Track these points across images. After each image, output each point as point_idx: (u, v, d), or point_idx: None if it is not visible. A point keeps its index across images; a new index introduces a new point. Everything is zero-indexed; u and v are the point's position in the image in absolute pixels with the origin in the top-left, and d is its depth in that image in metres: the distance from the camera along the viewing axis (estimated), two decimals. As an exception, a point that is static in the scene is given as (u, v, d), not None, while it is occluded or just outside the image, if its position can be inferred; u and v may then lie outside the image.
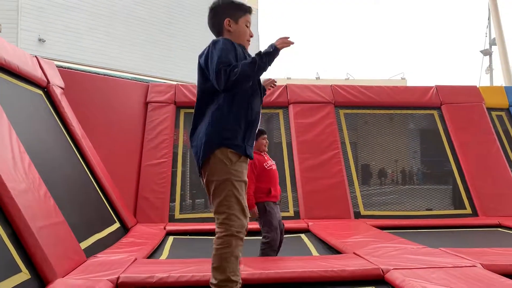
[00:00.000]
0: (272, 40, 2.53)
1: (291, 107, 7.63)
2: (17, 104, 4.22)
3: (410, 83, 30.78)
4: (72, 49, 14.22)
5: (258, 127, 4.26)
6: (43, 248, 3.01)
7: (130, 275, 3.27)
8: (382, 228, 5.81)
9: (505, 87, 8.81)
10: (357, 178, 7.31)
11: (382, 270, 3.36)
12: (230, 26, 2.57)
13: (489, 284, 2.93)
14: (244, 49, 2.61)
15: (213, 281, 2.34)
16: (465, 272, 3.24)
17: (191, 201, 7.44)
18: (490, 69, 22.57)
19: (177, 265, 3.55)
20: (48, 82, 5.33)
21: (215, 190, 2.40)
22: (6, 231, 2.85)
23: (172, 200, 6.75)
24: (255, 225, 4.51)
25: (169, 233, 5.69)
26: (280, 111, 7.73)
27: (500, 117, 8.00)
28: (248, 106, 2.53)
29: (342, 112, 7.77)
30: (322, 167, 7.00)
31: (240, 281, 2.41)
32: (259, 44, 21.83)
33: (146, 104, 7.39)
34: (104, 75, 8.15)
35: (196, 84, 2.68)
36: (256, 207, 3.98)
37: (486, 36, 21.92)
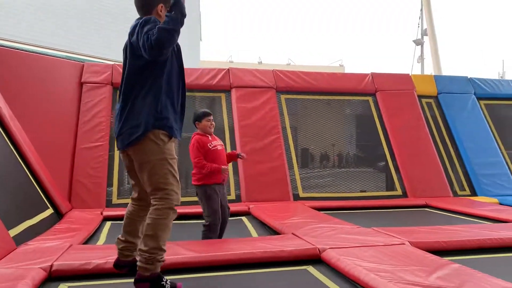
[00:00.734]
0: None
1: (233, 91, 7.62)
2: None
3: (348, 70, 31.78)
4: (5, 26, 13.14)
5: (204, 109, 4.29)
6: (-34, 236, 2.82)
7: (64, 262, 3.15)
8: (320, 209, 6.03)
9: (434, 76, 9.37)
10: (297, 162, 7.49)
11: (318, 249, 3.50)
12: (161, 11, 2.60)
13: (416, 260, 3.14)
14: None
15: (143, 247, 2.41)
16: (395, 250, 3.46)
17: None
18: (421, 58, 23.83)
19: (115, 251, 3.46)
20: (-30, 58, 4.91)
21: (152, 169, 2.47)
22: None
23: (109, 184, 6.54)
24: (198, 209, 4.51)
25: (107, 219, 5.52)
26: (223, 95, 7.70)
27: (429, 104, 8.51)
28: (173, 89, 2.60)
29: (283, 97, 7.88)
30: (264, 151, 7.10)
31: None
32: (200, 25, 21.44)
33: (81, 84, 7.05)
34: (37, 53, 7.64)
35: (123, 64, 2.68)
36: (221, 168, 4.02)
37: (418, 26, 23.05)
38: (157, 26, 2.37)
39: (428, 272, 2.83)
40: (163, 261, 2.46)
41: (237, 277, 3.14)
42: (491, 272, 2.89)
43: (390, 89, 8.27)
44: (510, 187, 7.58)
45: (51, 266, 3.07)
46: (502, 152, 8.09)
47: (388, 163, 7.74)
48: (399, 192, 7.41)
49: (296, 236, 4.03)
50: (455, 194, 7.49)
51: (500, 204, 6.68)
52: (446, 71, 19.65)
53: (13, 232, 3.79)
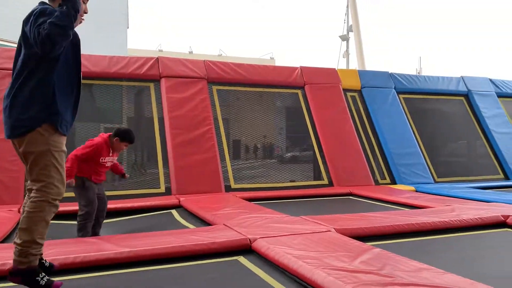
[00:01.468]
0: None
1: (163, 81, 7.44)
2: None
3: (278, 63, 32.36)
4: None
5: (131, 134, 4.15)
6: None
7: (-24, 263, 2.89)
8: (251, 200, 6.10)
9: (358, 70, 9.83)
10: (229, 153, 7.51)
11: (249, 239, 3.54)
12: None
13: (341, 246, 3.30)
14: None
15: (18, 240, 2.34)
16: (322, 237, 3.60)
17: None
18: (347, 53, 24.88)
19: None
20: None
21: (34, 160, 2.39)
22: None
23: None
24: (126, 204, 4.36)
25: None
26: (151, 84, 7.48)
27: (353, 98, 8.92)
28: (66, 83, 2.51)
29: (215, 88, 7.84)
30: (195, 142, 7.03)
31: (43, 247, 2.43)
32: (127, 13, 20.64)
33: (-5, 70, 6.48)
34: None
35: (16, 50, 2.52)
36: (74, 179, 3.95)
37: (344, 22, 24.00)
38: (48, 21, 2.25)
39: (352, 257, 2.98)
40: (38, 254, 2.37)
41: (167, 270, 3.09)
42: (408, 255, 3.12)
43: (318, 82, 8.55)
44: (425, 176, 8.19)
45: (-39, 268, 2.81)
46: (418, 143, 8.71)
47: (315, 153, 8.02)
48: (325, 181, 7.71)
49: (227, 227, 4.05)
50: (376, 182, 7.95)
51: (417, 191, 7.20)
52: (369, 66, 20.69)
53: None
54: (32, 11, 2.40)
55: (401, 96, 9.23)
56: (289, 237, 3.61)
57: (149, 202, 5.83)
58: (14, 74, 2.45)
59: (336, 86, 8.65)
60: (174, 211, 5.64)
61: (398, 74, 9.50)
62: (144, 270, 3.08)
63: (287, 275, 2.89)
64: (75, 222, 4.17)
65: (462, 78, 9.96)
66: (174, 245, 3.39)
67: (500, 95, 10.07)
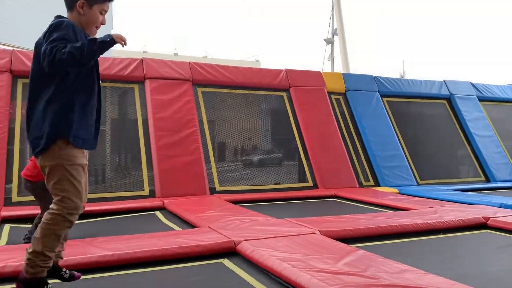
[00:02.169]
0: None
1: (147, 82, 7.38)
2: None
3: (264, 65, 32.44)
4: None
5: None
6: None
7: (-47, 268, 2.82)
8: (235, 202, 6.09)
9: (343, 74, 9.91)
10: (214, 155, 7.48)
11: (234, 242, 3.53)
12: (82, 8, 2.40)
13: (325, 248, 3.31)
14: (87, 36, 2.42)
15: (29, 249, 2.31)
16: (306, 239, 3.61)
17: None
18: (331, 56, 25.08)
19: (15, 252, 3.19)
20: None
21: (48, 174, 2.33)
22: None
23: (8, 181, 5.99)
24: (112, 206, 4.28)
25: (4, 220, 5.03)
26: (136, 86, 7.41)
27: (338, 100, 8.99)
28: (83, 96, 2.40)
29: (200, 90, 7.81)
30: (179, 144, 6.98)
31: (54, 259, 2.38)
32: (112, 13, 20.44)
33: (-26, 70, 6.35)
34: None
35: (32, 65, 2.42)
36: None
37: (329, 26, 24.21)
38: (69, 49, 2.16)
39: (336, 259, 3.00)
40: (46, 266, 2.30)
41: (150, 274, 3.06)
42: (391, 256, 3.15)
43: (303, 85, 8.59)
44: (408, 178, 8.30)
45: None
46: (402, 146, 8.82)
47: (300, 156, 8.04)
48: (310, 183, 7.74)
49: (212, 229, 4.04)
50: (360, 185, 8.01)
51: (400, 193, 7.28)
52: (354, 70, 20.89)
53: None
54: (51, 24, 2.32)
55: (385, 99, 9.33)
56: (274, 239, 3.61)
57: (133, 204, 5.78)
58: (29, 89, 2.38)
59: (321, 89, 8.70)
60: (158, 213, 5.59)
61: (382, 78, 9.60)
62: (127, 274, 3.04)
63: (272, 278, 2.89)
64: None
65: (445, 82, 10.12)
66: (158, 248, 3.36)
67: (481, 99, 10.26)
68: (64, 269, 2.57)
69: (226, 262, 3.30)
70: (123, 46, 2.33)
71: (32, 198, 6.10)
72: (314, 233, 3.86)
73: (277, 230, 3.95)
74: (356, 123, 8.78)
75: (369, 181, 8.20)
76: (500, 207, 5.47)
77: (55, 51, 2.15)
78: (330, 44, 24.53)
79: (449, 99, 9.97)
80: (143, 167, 6.83)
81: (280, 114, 8.51)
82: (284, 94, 8.51)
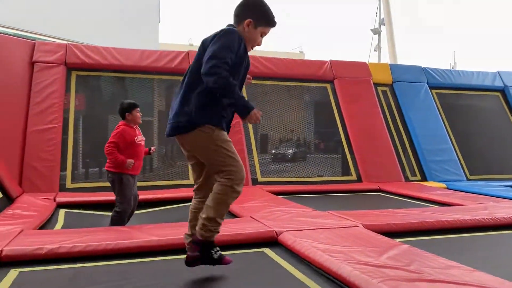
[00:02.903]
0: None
1: (192, 75, 7.51)
2: None
3: (308, 56, 32.08)
4: None
5: (132, 101, 4.31)
6: None
7: (15, 247, 3.04)
8: (277, 193, 6.12)
9: (390, 64, 9.64)
10: (256, 147, 7.54)
11: (275, 232, 3.57)
12: (248, 27, 2.61)
13: (368, 241, 3.28)
14: (245, 49, 2.63)
15: (203, 215, 2.58)
16: (349, 232, 3.59)
17: (84, 170, 7.06)
18: (378, 47, 24.40)
19: (69, 235, 3.39)
20: None
21: (208, 155, 2.58)
22: None
23: (63, 168, 6.33)
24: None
25: (60, 206, 5.32)
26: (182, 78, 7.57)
27: (384, 92, 8.77)
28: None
29: (243, 81, 7.85)
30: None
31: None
32: (159, 7, 20.89)
33: (32, 64, 6.73)
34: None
35: (192, 62, 2.67)
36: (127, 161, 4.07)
37: (376, 15, 23.55)
38: (224, 81, 2.36)
39: (379, 253, 2.96)
40: (217, 232, 2.60)
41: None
42: (437, 252, 3.06)
43: (348, 76, 8.44)
44: (457, 173, 7.99)
45: (1, 251, 2.96)
46: (451, 139, 8.50)
47: (344, 149, 7.94)
48: (354, 177, 7.64)
49: (254, 219, 4.09)
50: (406, 179, 7.81)
51: (448, 188, 7.03)
52: (401, 60, 20.27)
53: (-41, 217, 3.61)
54: (220, 31, 2.52)
55: (434, 91, 9.00)
56: (316, 231, 3.60)
57: (179, 194, 5.93)
58: (187, 78, 2.63)
59: (367, 80, 8.53)
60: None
61: (431, 69, 9.26)
62: (172, 259, 3.15)
63: (313, 268, 2.90)
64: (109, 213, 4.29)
65: (499, 72, 9.62)
66: (202, 235, 3.44)
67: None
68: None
69: (267, 251, 3.34)
70: (253, 123, 2.56)
71: (84, 184, 6.46)
72: (357, 226, 3.82)
73: (319, 222, 3.94)
74: (403, 115, 8.55)
75: (416, 176, 7.98)
76: (558, 205, 5.17)
77: (214, 73, 2.36)
78: (377, 35, 23.87)
79: (503, 91, 9.48)
80: (188, 157, 6.99)
81: (323, 105, 8.43)
82: (328, 85, 8.41)
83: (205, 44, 2.56)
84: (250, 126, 7.58)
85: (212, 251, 2.60)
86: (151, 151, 4.58)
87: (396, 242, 3.30)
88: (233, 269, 2.97)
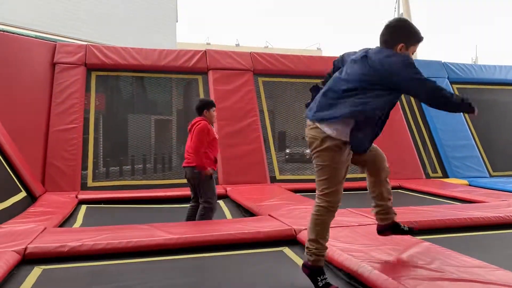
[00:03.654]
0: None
1: (210, 73, 7.55)
2: None
3: (326, 53, 31.81)
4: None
5: (211, 100, 4.36)
6: None
7: (39, 245, 3.11)
8: (296, 191, 6.10)
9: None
10: (274, 145, 7.53)
11: (294, 230, 3.56)
12: (400, 51, 2.56)
13: (388, 239, 3.23)
14: None
15: (307, 239, 2.55)
16: (369, 230, 3.55)
17: (104, 168, 7.17)
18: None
19: (91, 233, 3.44)
20: None
21: (320, 171, 2.54)
22: None
23: (84, 168, 6.44)
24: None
25: (82, 202, 5.45)
26: (200, 77, 7.62)
27: (403, 88, 8.62)
28: (379, 108, 2.54)
29: (260, 79, 7.86)
30: (240, 133, 7.10)
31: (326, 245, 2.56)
32: (176, 6, 21.04)
33: (53, 65, 6.86)
34: (6, 32, 7.37)
35: (335, 72, 2.75)
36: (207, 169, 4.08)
37: (394, 10, 23.22)
38: (454, 100, 2.41)
39: (400, 251, 2.92)
40: (321, 255, 2.50)
41: (214, 258, 3.17)
42: (459, 250, 3.00)
43: (366, 72, 8.33)
44: (480, 169, 7.83)
45: (25, 249, 3.03)
46: (473, 135, 8.32)
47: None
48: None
49: (273, 217, 4.08)
50: (427, 176, 7.69)
51: (470, 185, 6.90)
52: (421, 56, 19.92)
53: (-15, 215, 3.71)
54: (403, 61, 2.45)
55: (455, 86, 8.82)
56: (335, 229, 3.57)
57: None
58: (344, 88, 2.49)
59: (385, 76, 8.40)
60: (220, 202, 5.75)
61: (452, 63, 9.08)
62: (191, 257, 3.17)
63: (332, 268, 2.88)
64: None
65: (523, 66, 9.37)
66: (222, 233, 3.46)
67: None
68: (401, 224, 2.89)
69: (286, 250, 3.33)
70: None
71: (105, 183, 6.56)
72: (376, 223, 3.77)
73: (338, 220, 3.89)
74: (424, 111, 8.41)
75: (437, 172, 7.85)
76: None
77: (442, 92, 2.42)
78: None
79: (528, 85, 9.22)
80: (206, 155, 7.03)
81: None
82: (346, 82, 8.32)
83: (374, 61, 2.47)
84: (267, 124, 7.57)
85: (318, 278, 2.47)
86: None
87: (417, 240, 3.26)
88: (256, 269, 2.97)
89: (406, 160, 7.63)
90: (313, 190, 6.99)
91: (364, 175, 3.08)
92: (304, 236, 3.39)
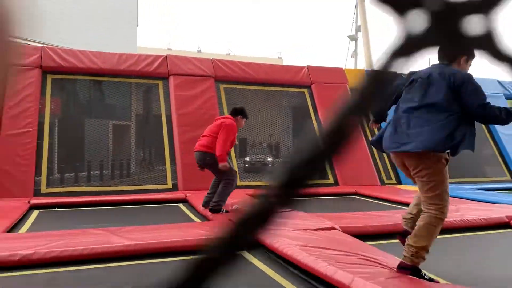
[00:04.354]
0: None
1: (171, 79, 7.51)
2: None
3: (286, 62, 32.32)
4: None
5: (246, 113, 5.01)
6: None
7: (-13, 253, 2.98)
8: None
9: (366, 70, 9.83)
10: (235, 151, 7.56)
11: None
12: (462, 64, 2.82)
13: (343, 243, 3.34)
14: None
15: (412, 243, 2.70)
16: (325, 234, 3.64)
17: (59, 175, 6.95)
18: (355, 53, 24.79)
19: (42, 240, 3.33)
20: None
21: (434, 186, 2.85)
22: None
23: (38, 173, 6.22)
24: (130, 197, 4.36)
25: (34, 207, 5.25)
26: (160, 82, 7.56)
27: (360, 98, 8.92)
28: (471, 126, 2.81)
29: (222, 86, 7.90)
30: (201, 140, 7.08)
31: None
32: (137, 10, 20.78)
33: (6, 66, 6.59)
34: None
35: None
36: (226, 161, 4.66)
37: (353, 22, 23.95)
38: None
39: (355, 252, 3.02)
40: (424, 259, 2.71)
41: (169, 264, 3.15)
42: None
43: (325, 81, 8.57)
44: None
45: (-27, 257, 2.90)
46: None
47: (322, 153, 8.03)
48: (331, 180, 7.74)
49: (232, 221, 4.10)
50: (382, 182, 7.96)
51: (422, 191, 7.19)
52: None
53: None
54: (462, 79, 2.65)
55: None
56: (294, 232, 3.65)
57: (158, 196, 5.92)
58: (427, 107, 2.68)
59: (343, 85, 8.67)
60: (181, 205, 5.72)
61: (405, 74, 9.47)
62: (148, 263, 3.14)
63: (291, 267, 2.94)
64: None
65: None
66: (178, 239, 3.45)
67: (509, 97, 10.00)
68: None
69: (244, 253, 3.36)
70: None
71: (59, 189, 6.36)
72: (334, 228, 3.89)
73: (297, 224, 3.99)
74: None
75: (391, 179, 8.14)
76: (526, 206, 5.36)
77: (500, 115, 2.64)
78: (354, 41, 24.25)
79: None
80: (166, 161, 6.97)
81: (301, 110, 8.52)
82: (305, 90, 8.52)
83: (455, 83, 2.66)
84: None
85: (422, 274, 2.69)
86: None
87: (369, 246, 3.38)
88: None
89: (363, 167, 7.87)
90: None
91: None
92: (263, 238, 3.45)
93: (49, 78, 6.89)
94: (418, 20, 0.44)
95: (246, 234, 0.55)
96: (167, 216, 4.99)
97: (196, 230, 3.76)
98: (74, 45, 11.35)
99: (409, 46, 0.46)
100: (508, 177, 8.92)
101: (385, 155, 8.38)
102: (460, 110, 2.66)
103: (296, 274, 2.87)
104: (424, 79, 2.78)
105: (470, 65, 2.90)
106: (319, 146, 0.52)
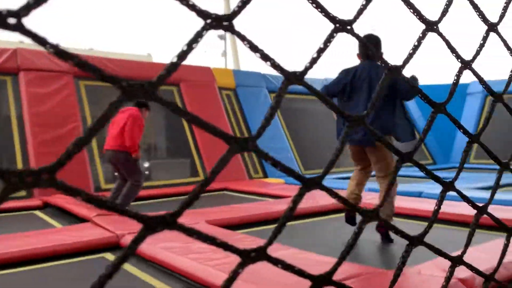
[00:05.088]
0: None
1: (22, 74, 6.81)
2: None
3: (156, 60, 31.59)
4: None
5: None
6: None
7: None
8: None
9: (233, 70, 10.18)
10: (99, 153, 7.18)
11: (117, 235, 3.49)
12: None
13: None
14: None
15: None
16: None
17: None
18: (225, 53, 25.36)
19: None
20: None
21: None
22: None
23: None
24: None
25: None
26: (8, 78, 6.80)
27: (228, 96, 9.21)
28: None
29: (82, 83, 7.42)
30: (60, 141, 6.57)
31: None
32: None
33: None
34: None
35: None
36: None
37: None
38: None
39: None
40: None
41: (28, 273, 2.90)
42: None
43: (193, 80, 8.64)
44: (293, 169, 8.84)
45: None
46: (287, 139, 9.34)
47: (192, 152, 8.10)
48: (202, 178, 7.83)
49: (97, 224, 3.92)
50: (250, 177, 8.34)
51: (286, 183, 7.73)
52: (245, 67, 21.39)
53: None
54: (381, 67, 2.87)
55: (273, 95, 9.78)
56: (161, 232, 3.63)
57: (10, 204, 5.31)
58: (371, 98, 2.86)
59: (211, 84, 8.85)
60: (38, 212, 5.26)
61: (270, 75, 10.04)
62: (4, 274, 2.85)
63: (156, 267, 2.94)
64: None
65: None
66: (33, 247, 3.19)
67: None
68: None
69: (108, 256, 3.26)
70: None
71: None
72: (198, 223, 3.98)
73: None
74: (246, 117, 9.10)
75: (258, 173, 8.57)
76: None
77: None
78: (223, 40, 24.79)
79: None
80: (18, 165, 6.31)
81: (174, 109, 8.44)
82: (174, 88, 8.48)
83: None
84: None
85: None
86: None
87: (237, 234, 3.55)
88: (71, 277, 2.83)
89: (231, 163, 7.99)
90: (144, 198, 6.91)
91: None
92: (128, 240, 3.37)
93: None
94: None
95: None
96: (22, 225, 4.54)
97: (56, 236, 3.51)
98: None
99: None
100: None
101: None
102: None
103: (162, 270, 2.88)
104: None
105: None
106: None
